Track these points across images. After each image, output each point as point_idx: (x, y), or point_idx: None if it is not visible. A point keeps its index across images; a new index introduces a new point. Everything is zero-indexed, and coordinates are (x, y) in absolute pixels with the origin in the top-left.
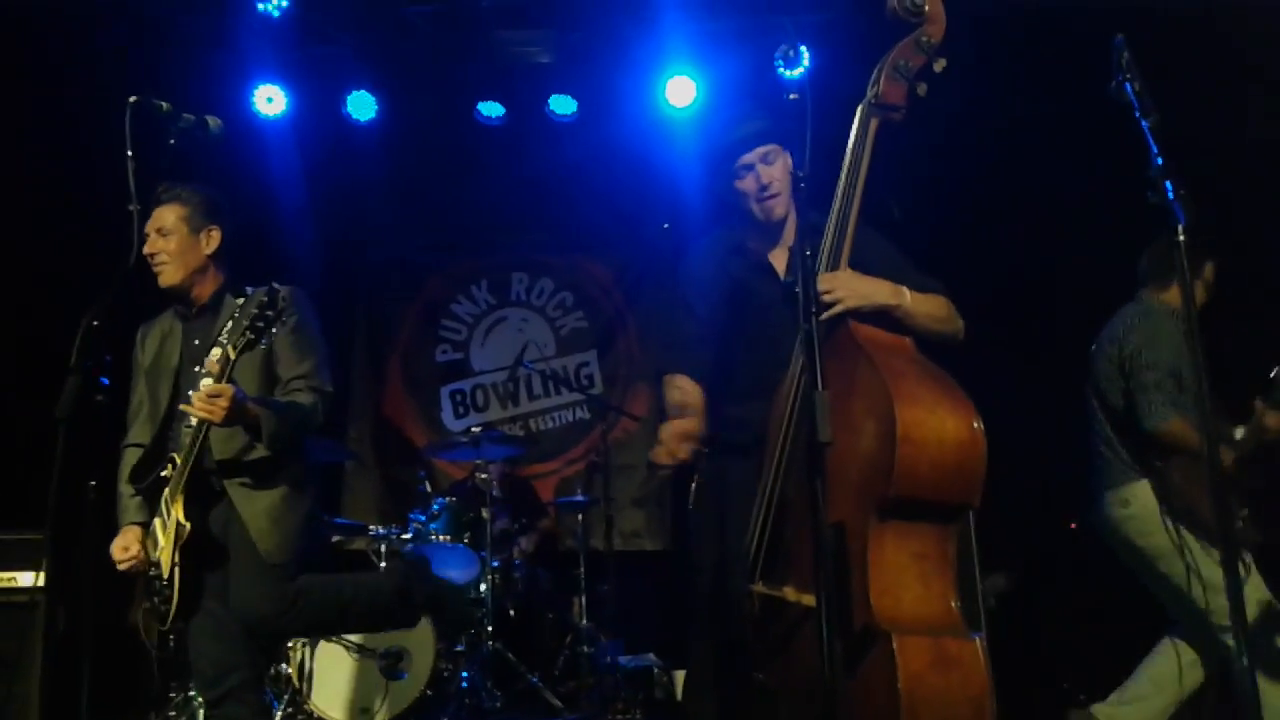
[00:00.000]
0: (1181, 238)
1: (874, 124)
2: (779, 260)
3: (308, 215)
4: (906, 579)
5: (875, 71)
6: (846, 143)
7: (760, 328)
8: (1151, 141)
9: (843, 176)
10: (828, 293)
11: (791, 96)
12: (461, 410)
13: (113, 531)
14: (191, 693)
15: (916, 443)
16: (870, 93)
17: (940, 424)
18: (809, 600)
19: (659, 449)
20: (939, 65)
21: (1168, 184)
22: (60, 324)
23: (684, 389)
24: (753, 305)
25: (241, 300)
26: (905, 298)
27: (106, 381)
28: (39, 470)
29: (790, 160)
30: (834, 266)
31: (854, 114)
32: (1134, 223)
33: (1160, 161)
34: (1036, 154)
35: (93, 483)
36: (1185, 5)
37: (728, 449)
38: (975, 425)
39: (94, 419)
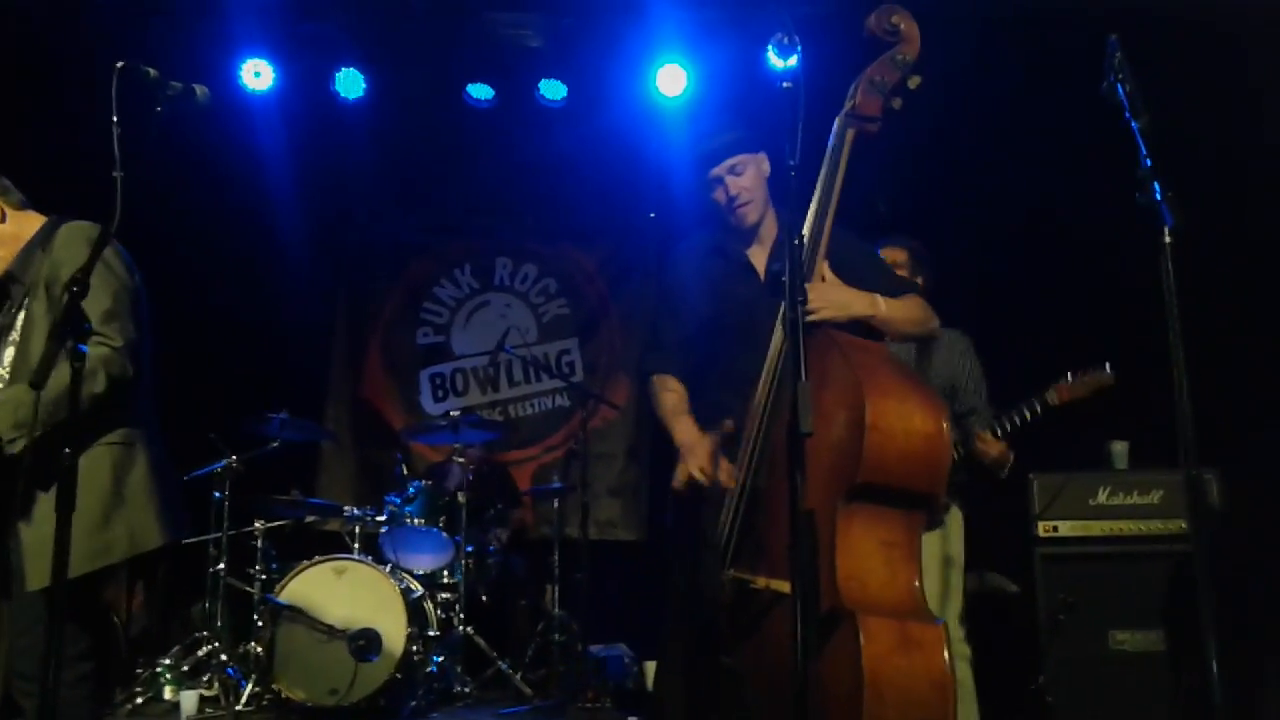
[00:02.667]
0: (1168, 239)
1: (850, 134)
2: (758, 259)
3: (292, 192)
4: (873, 564)
5: (853, 85)
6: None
7: (742, 326)
8: (1141, 142)
9: (820, 184)
10: (805, 304)
11: (785, 85)
12: (441, 394)
13: None
14: (158, 669)
15: (885, 431)
16: (847, 104)
17: (909, 415)
18: (780, 586)
19: (694, 469)
20: (913, 82)
21: (1156, 185)
22: None
23: (673, 390)
24: (734, 304)
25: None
26: (880, 307)
27: (84, 349)
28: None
29: (765, 164)
30: (809, 274)
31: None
32: (1120, 224)
33: (1149, 163)
34: (1025, 155)
35: (66, 450)
36: (1176, 5)
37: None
38: (943, 421)
39: (74, 387)
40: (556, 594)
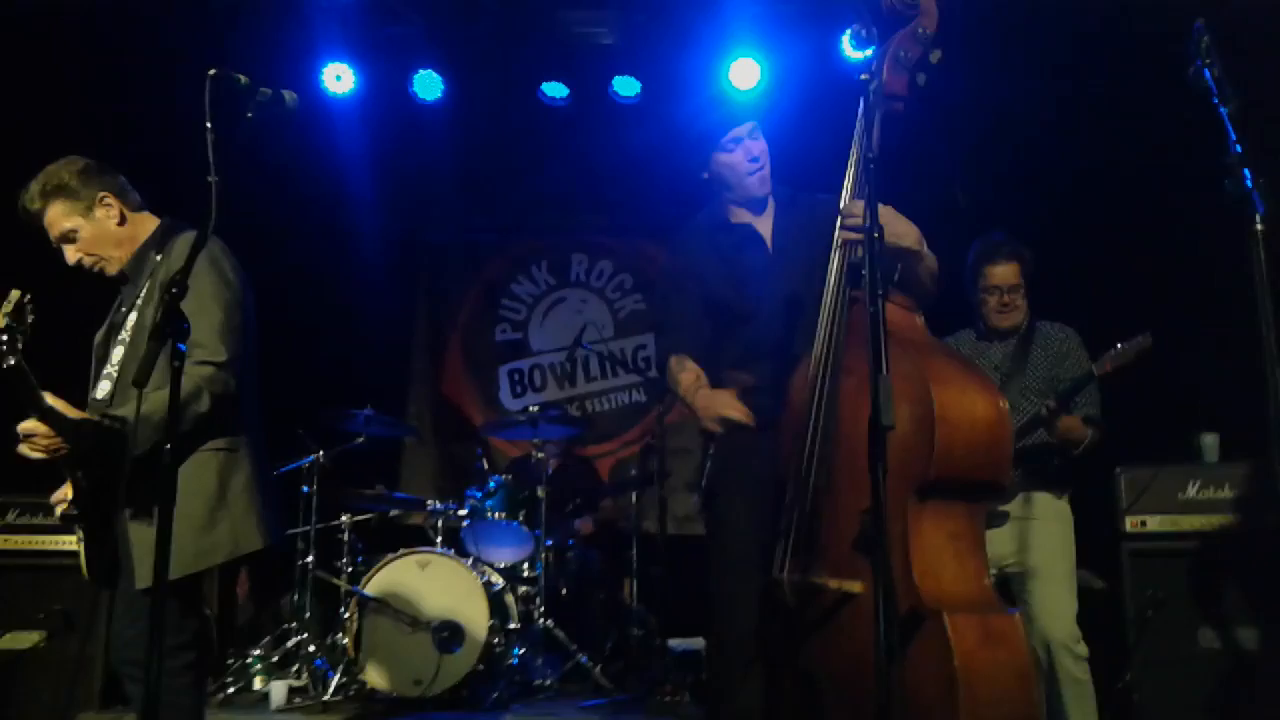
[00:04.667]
0: (1260, 227)
1: (878, 114)
2: (764, 229)
3: (372, 193)
4: (944, 559)
5: (875, 63)
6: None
7: (754, 297)
8: (1230, 128)
9: (850, 167)
10: (853, 217)
11: (863, 77)
12: (519, 390)
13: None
14: (248, 660)
15: (952, 423)
16: (873, 84)
17: (971, 403)
18: (850, 587)
19: (722, 407)
20: (935, 56)
21: (1246, 172)
22: None
23: (691, 368)
24: (744, 275)
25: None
26: (925, 246)
27: (184, 348)
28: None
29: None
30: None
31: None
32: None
33: (1239, 149)
34: (1108, 142)
35: (167, 446)
36: None
37: (736, 425)
38: (1001, 404)
39: (174, 384)
40: (635, 588)
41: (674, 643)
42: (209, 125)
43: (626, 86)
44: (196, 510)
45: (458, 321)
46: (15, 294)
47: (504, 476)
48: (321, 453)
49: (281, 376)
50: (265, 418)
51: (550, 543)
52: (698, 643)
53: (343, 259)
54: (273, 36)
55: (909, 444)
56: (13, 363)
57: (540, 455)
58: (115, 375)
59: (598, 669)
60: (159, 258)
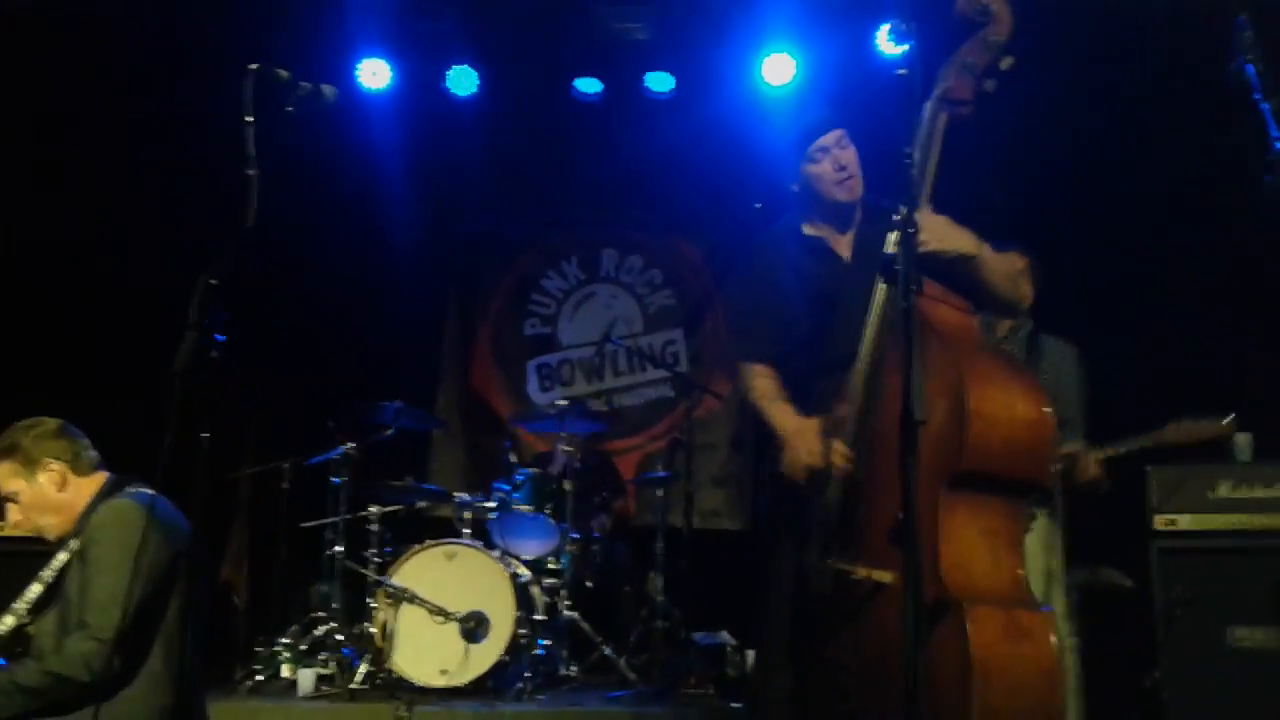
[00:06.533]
0: None
1: (943, 119)
2: (842, 246)
3: (405, 187)
4: (977, 553)
5: (943, 68)
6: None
7: (827, 311)
8: (1272, 124)
9: (913, 172)
10: (915, 231)
11: (900, 73)
12: (547, 384)
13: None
14: (276, 648)
15: (988, 419)
16: (939, 89)
17: (1012, 402)
18: (881, 576)
19: (805, 455)
20: (1006, 63)
21: None
22: (180, 283)
23: (765, 376)
24: (818, 290)
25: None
26: (985, 249)
27: (221, 338)
28: (155, 423)
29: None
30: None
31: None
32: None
33: None
34: (1144, 145)
35: (205, 435)
36: None
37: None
38: (1045, 407)
39: (208, 373)
40: (660, 581)
41: (699, 635)
42: (249, 119)
43: (660, 82)
44: None
45: (487, 315)
46: None
47: (531, 470)
48: (351, 444)
49: (313, 368)
50: (287, 405)
51: (576, 536)
52: (722, 636)
53: (375, 253)
54: (309, 32)
55: (943, 436)
56: None
57: (567, 449)
58: (22, 614)
59: (623, 660)
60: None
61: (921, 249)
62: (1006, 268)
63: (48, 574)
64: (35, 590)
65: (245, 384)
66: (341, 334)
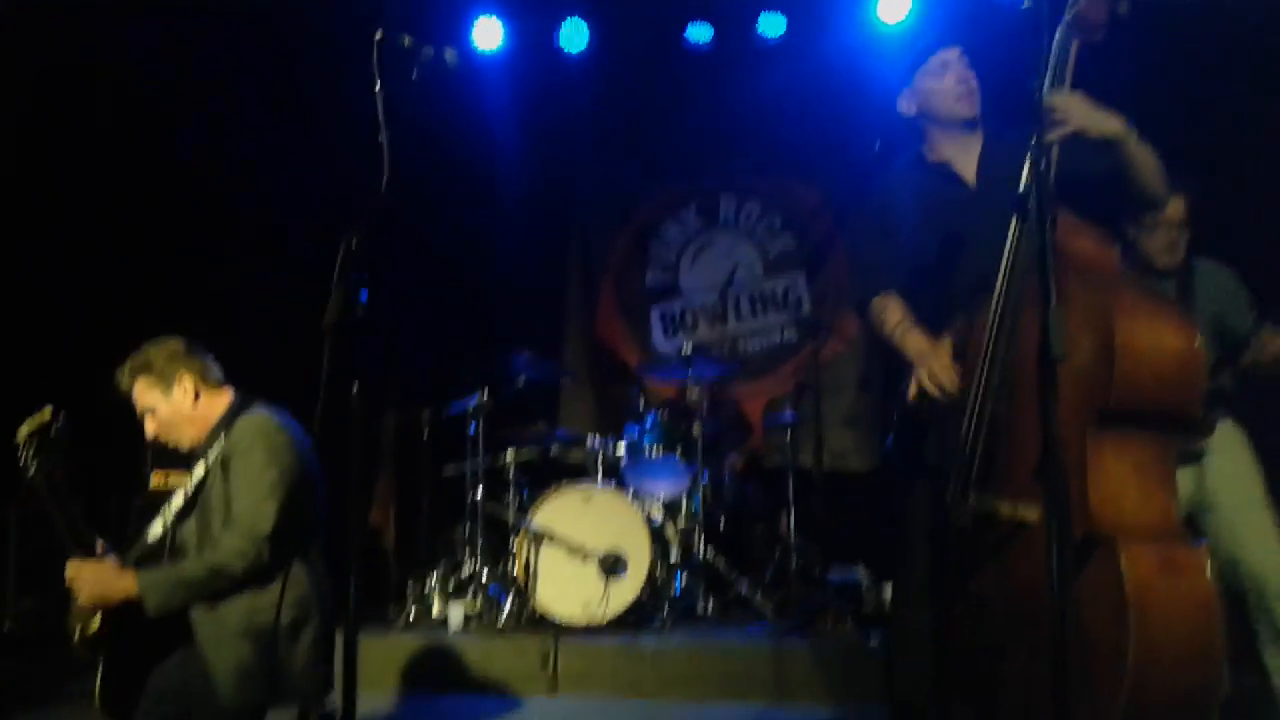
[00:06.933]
0: None
1: (1074, 45)
2: (968, 172)
3: (522, 145)
4: (1126, 489)
5: None
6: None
7: (955, 239)
8: None
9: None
10: (1057, 112)
11: (1025, 6)
12: (671, 331)
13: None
14: (427, 587)
15: (1136, 353)
16: (1069, 13)
17: (1159, 335)
18: (1026, 513)
19: (928, 379)
20: None
21: None
22: (324, 245)
23: (896, 306)
24: (946, 217)
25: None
26: (1134, 137)
27: (365, 295)
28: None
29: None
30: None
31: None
32: None
33: None
34: None
35: (355, 386)
36: None
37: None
38: (1195, 338)
39: (354, 329)
40: (792, 521)
41: (833, 573)
42: (378, 87)
43: (771, 25)
44: (244, 652)
45: (609, 266)
46: (46, 411)
47: (660, 414)
48: (486, 393)
49: (446, 324)
50: (427, 356)
51: (707, 478)
52: (857, 573)
53: (497, 211)
54: None
55: (1089, 373)
56: (31, 474)
57: (694, 394)
58: (170, 521)
59: (758, 598)
60: (223, 437)
61: (1067, 129)
62: (1154, 160)
63: (188, 486)
64: (178, 501)
65: (386, 339)
66: (470, 291)
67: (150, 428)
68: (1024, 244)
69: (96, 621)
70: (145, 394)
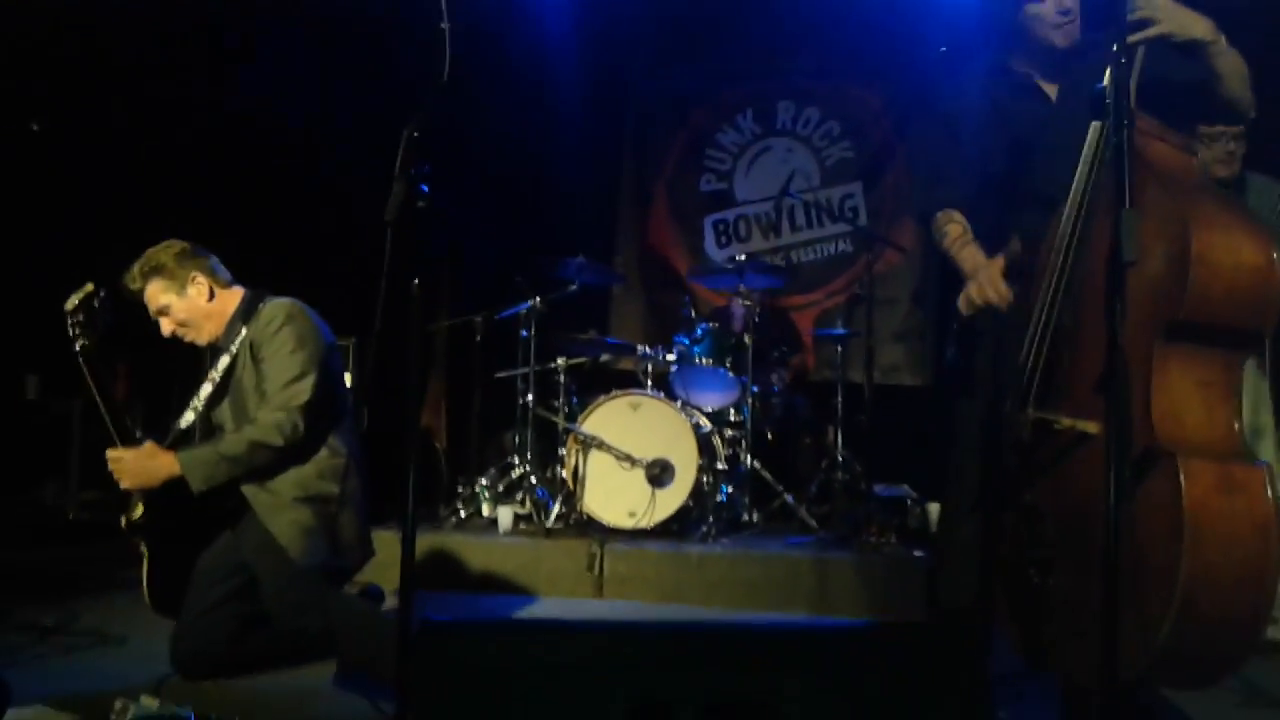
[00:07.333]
0: None
1: None
2: (1050, 87)
3: (579, 50)
4: (1191, 404)
5: None
6: None
7: (1028, 151)
8: None
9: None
10: (1142, 11)
11: None
12: (724, 240)
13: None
14: (477, 489)
15: (1211, 265)
16: None
17: (1237, 247)
18: (1087, 426)
19: (977, 292)
20: None
21: None
22: (382, 139)
23: (957, 221)
24: (1021, 129)
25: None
26: (1223, 40)
27: (426, 189)
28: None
29: None
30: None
31: None
32: None
33: None
34: None
35: (416, 281)
36: None
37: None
38: (1274, 253)
39: (415, 223)
40: (840, 435)
41: (879, 487)
42: None
43: None
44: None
45: (663, 172)
46: (89, 286)
47: (710, 324)
48: (538, 298)
49: (499, 227)
50: (482, 261)
51: (755, 389)
52: (904, 489)
53: (551, 114)
54: None
55: (1161, 284)
56: (83, 344)
57: (745, 304)
58: (200, 409)
59: (803, 509)
60: (244, 327)
61: (1152, 31)
62: (1240, 66)
63: (215, 374)
64: (206, 389)
65: (441, 239)
66: (524, 196)
67: (167, 327)
68: (1102, 152)
69: (140, 509)
70: (160, 295)
